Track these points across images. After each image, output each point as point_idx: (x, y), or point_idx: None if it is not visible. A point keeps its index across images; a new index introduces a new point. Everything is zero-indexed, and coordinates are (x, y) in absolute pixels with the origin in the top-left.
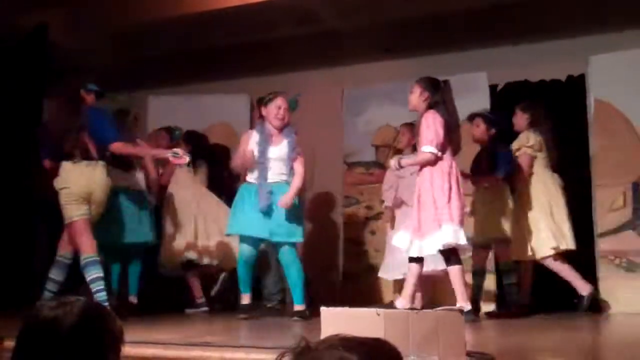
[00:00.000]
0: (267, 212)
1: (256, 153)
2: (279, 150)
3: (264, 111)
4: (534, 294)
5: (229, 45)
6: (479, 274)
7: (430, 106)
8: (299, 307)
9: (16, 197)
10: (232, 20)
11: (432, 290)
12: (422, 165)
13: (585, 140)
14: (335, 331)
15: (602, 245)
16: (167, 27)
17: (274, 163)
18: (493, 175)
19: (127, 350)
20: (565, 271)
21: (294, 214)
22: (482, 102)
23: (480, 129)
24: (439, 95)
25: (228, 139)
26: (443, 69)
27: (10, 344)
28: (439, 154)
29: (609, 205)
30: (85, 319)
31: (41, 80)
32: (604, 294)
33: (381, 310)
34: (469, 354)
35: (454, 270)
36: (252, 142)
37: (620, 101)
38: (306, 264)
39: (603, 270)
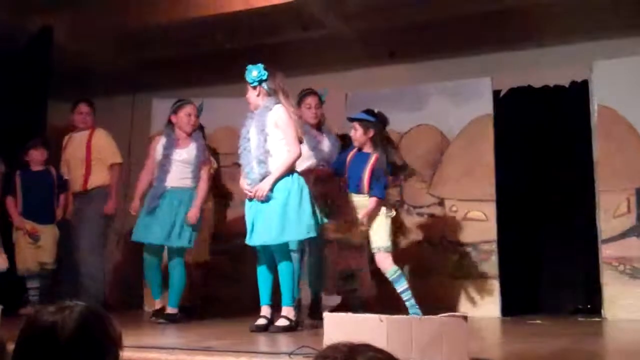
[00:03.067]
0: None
1: (160, 156)
2: (186, 153)
3: (174, 119)
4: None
5: (233, 49)
6: (349, 277)
7: None
8: (171, 309)
9: None
10: (236, 25)
11: None
12: None
13: (589, 146)
14: (339, 337)
15: (606, 251)
16: (171, 30)
17: (178, 166)
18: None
19: (129, 354)
20: None
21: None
22: (486, 107)
23: (358, 132)
24: None
25: (233, 143)
26: (446, 74)
27: (10, 347)
28: None
29: (613, 211)
30: (84, 324)
31: (46, 83)
32: (608, 300)
33: (384, 317)
34: None
35: None
36: (158, 146)
37: (624, 107)
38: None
39: (607, 277)
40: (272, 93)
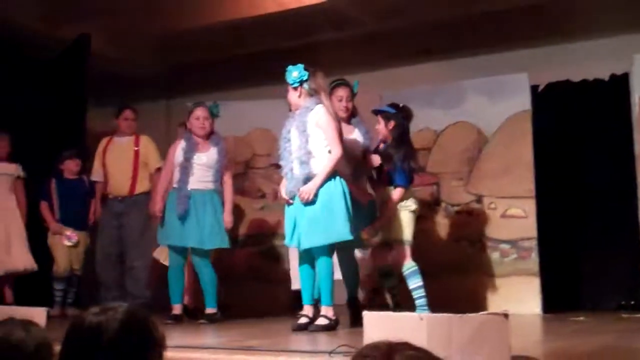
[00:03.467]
0: (196, 219)
1: (181, 159)
2: (206, 157)
3: (188, 124)
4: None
5: (267, 51)
6: (387, 274)
7: None
8: (210, 310)
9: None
10: (270, 26)
11: None
12: None
13: (630, 140)
14: (379, 335)
15: None
16: (206, 34)
17: (199, 169)
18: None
19: (171, 354)
20: None
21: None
22: (523, 103)
23: (381, 125)
24: None
25: (269, 144)
26: (483, 70)
27: (56, 348)
28: None
29: None
30: (128, 325)
31: (84, 89)
32: None
33: (424, 315)
34: (514, 358)
35: None
36: (178, 149)
37: None
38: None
39: None
40: (313, 93)
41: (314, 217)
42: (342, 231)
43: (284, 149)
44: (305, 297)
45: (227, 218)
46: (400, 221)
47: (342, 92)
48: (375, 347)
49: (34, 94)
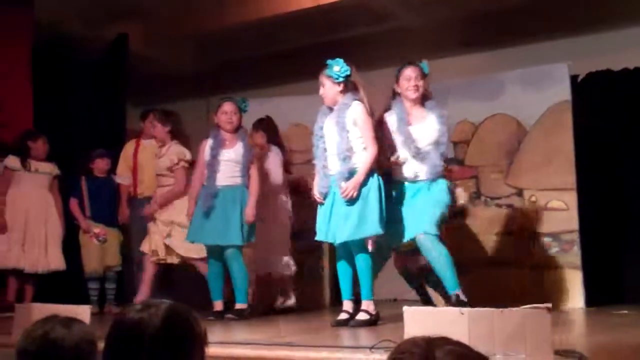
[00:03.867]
0: (222, 216)
1: (208, 157)
2: (233, 152)
3: (215, 119)
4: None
5: (304, 46)
6: (411, 276)
7: None
8: (240, 305)
9: None
10: (307, 22)
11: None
12: None
13: None
14: (419, 331)
15: None
16: (243, 31)
17: (226, 165)
18: None
19: (213, 350)
20: None
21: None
22: (563, 93)
23: None
24: None
25: (306, 140)
26: (521, 61)
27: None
28: None
29: None
30: (169, 321)
31: (123, 89)
32: None
33: (465, 310)
34: (557, 352)
35: None
36: (206, 148)
37: None
38: None
39: None
40: (351, 88)
41: (348, 211)
42: (373, 226)
43: (316, 147)
44: (345, 293)
45: (249, 211)
46: None
47: (410, 72)
48: (413, 342)
49: (76, 95)
